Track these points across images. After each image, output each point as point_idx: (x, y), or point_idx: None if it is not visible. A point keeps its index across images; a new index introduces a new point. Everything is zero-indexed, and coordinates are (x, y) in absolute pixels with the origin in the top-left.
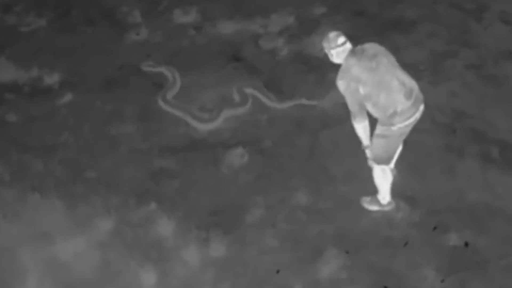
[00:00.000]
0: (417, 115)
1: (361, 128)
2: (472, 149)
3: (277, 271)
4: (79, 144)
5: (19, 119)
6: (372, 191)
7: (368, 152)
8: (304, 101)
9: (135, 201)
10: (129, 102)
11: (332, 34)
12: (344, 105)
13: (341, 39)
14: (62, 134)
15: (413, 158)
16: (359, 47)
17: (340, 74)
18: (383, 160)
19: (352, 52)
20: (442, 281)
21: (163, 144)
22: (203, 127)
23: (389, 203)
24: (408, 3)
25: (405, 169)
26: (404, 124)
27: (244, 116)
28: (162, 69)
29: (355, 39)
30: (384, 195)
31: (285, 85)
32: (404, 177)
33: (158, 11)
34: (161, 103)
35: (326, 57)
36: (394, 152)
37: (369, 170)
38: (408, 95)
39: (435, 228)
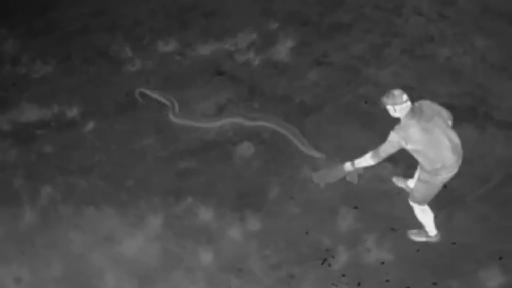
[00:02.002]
0: (457, 168)
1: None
2: None
3: (306, 233)
4: (111, 161)
5: (55, 149)
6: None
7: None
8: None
9: (173, 198)
10: (142, 120)
11: (397, 92)
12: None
13: (405, 96)
14: (95, 156)
15: (383, 126)
16: (417, 106)
17: (397, 129)
18: (421, 201)
19: (412, 112)
20: (436, 216)
21: (181, 149)
22: (212, 125)
23: (436, 235)
24: (342, 10)
25: (380, 136)
26: (447, 176)
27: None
28: (156, 96)
29: (309, 44)
30: (430, 229)
31: (266, 88)
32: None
33: (144, 45)
34: (171, 117)
35: (291, 62)
36: (432, 196)
37: (352, 142)
38: (454, 151)
39: None
